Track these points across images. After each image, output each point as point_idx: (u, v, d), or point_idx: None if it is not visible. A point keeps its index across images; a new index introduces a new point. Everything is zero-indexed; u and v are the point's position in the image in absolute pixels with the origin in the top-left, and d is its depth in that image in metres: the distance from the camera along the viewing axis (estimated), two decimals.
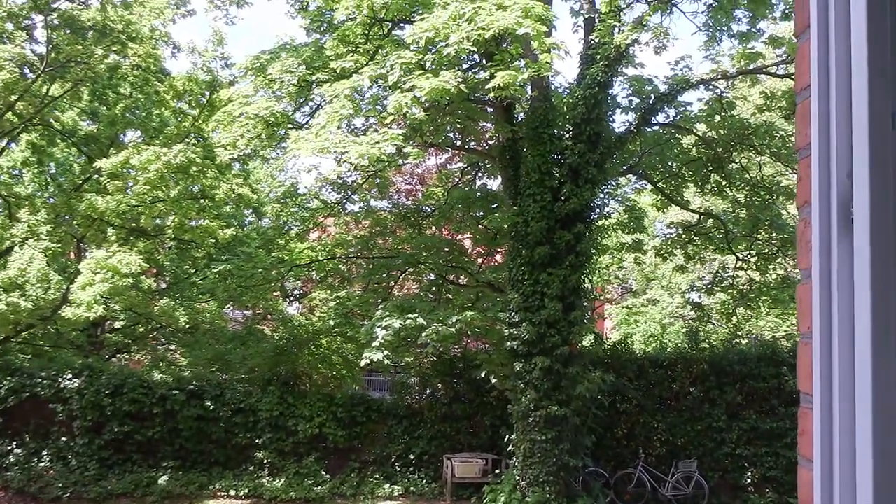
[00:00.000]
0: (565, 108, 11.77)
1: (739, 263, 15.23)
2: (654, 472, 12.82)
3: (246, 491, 12.88)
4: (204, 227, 15.38)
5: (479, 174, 15.77)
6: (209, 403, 13.58)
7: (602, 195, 13.37)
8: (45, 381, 13.38)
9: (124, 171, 14.33)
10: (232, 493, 12.89)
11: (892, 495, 1.04)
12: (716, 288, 15.97)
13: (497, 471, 12.70)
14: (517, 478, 11.15)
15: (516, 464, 11.33)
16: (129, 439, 13.35)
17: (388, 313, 12.31)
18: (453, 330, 11.91)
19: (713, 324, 17.90)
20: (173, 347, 18.47)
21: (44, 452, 13.23)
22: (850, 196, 1.11)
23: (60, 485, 12.60)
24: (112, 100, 16.61)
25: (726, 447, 13.04)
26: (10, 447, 13.14)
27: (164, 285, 18.89)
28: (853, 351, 1.10)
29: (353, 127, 13.00)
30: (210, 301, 18.02)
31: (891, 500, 1.04)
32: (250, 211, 21.75)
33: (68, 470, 12.96)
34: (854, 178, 1.11)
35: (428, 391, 14.36)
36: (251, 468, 13.47)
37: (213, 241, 16.07)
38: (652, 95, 12.34)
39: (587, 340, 13.52)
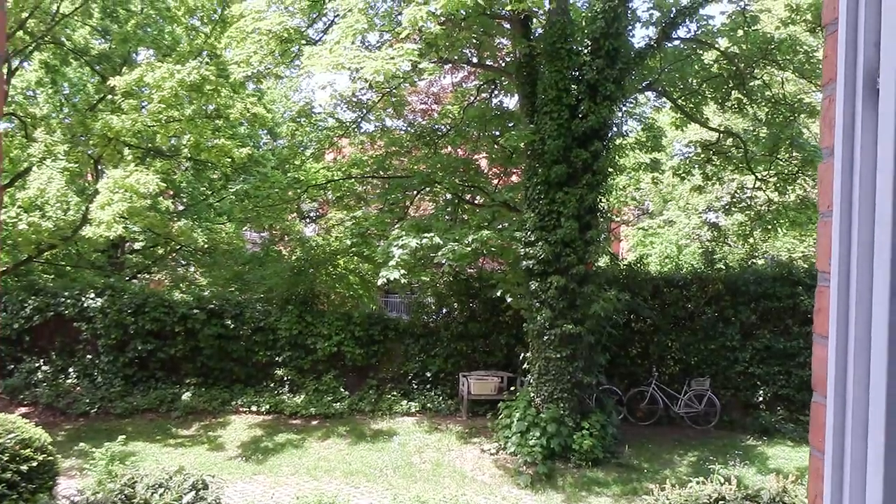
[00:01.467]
0: (584, 23, 11.44)
1: (758, 184, 15.03)
2: (666, 390, 13.00)
3: (267, 407, 13.22)
4: (220, 146, 15.30)
5: (496, 92, 15.49)
6: (229, 322, 13.82)
7: (620, 113, 13.16)
8: (68, 301, 13.64)
9: (138, 89, 14.22)
10: (254, 408, 13.24)
11: None
12: (733, 208, 15.80)
13: (512, 388, 12.93)
14: (532, 395, 11.34)
15: (531, 381, 11.51)
16: (152, 357, 13.67)
17: (404, 232, 12.32)
18: (469, 249, 11.92)
19: (730, 245, 17.81)
20: (192, 268, 18.69)
21: (70, 370, 13.61)
22: (876, 66, 1.07)
23: (87, 400, 12.99)
24: (123, 17, 16.33)
25: (739, 366, 13.16)
26: (37, 364, 13.51)
27: (181, 207, 18.98)
28: (873, 228, 1.08)
29: (367, 43, 12.77)
30: (227, 222, 18.15)
31: None
32: (265, 132, 21.65)
33: (94, 386, 13.34)
34: (882, 48, 1.06)
35: (444, 310, 14.50)
36: (272, 385, 13.81)
37: (229, 160, 16.01)
38: (673, 9, 11.97)
39: (603, 260, 13.51)
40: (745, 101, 13.96)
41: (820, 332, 1.25)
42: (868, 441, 1.12)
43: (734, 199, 15.80)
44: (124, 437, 9.44)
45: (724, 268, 14.29)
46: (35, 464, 7.35)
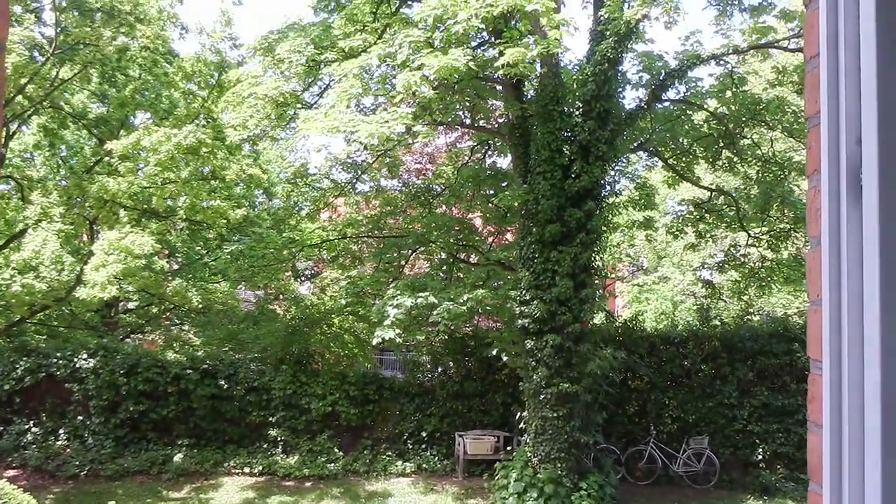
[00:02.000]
0: (575, 85, 11.69)
1: (751, 241, 15.15)
2: (665, 449, 12.87)
3: (260, 468, 13.04)
4: (215, 207, 15.42)
5: (489, 152, 15.72)
6: (223, 382, 13.71)
7: (613, 172, 13.30)
8: (60, 361, 13.55)
9: (135, 152, 14.38)
10: (246, 470, 13.05)
11: None
12: (727, 265, 15.89)
13: (509, 448, 12.79)
14: (529, 454, 11.22)
15: (528, 441, 11.40)
16: (145, 418, 13.51)
17: (399, 292, 12.34)
18: (464, 308, 11.93)
19: (725, 301, 17.86)
20: (186, 328, 18.62)
21: (60, 431, 13.44)
22: (859, 163, 1.12)
23: (77, 462, 12.79)
24: (121, 82, 16.61)
25: (738, 423, 13.06)
26: (27, 426, 13.33)
27: (176, 266, 19.00)
28: (862, 317, 1.11)
29: (362, 106, 13.01)
30: (222, 282, 18.15)
31: None
32: (261, 192, 21.82)
33: (85, 448, 13.15)
34: (863, 145, 1.11)
35: (439, 369, 14.43)
36: (265, 446, 13.63)
37: (224, 221, 16.11)
38: (662, 71, 12.23)
39: (598, 318, 13.53)
40: (735, 159, 14.18)
41: (814, 420, 1.27)
42: (865, 466, 1.13)
43: (728, 257, 15.90)
44: (114, 502, 9.26)
45: (719, 324, 14.31)
46: None
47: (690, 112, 13.99)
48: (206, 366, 13.87)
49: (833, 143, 1.17)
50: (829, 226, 1.17)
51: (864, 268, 1.11)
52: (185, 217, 16.58)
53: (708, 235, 15.64)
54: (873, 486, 1.08)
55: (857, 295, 1.12)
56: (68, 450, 13.20)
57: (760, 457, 13.02)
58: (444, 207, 15.76)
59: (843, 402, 1.15)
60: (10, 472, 12.60)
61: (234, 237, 16.73)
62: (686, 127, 13.90)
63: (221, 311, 16.73)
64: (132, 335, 18.28)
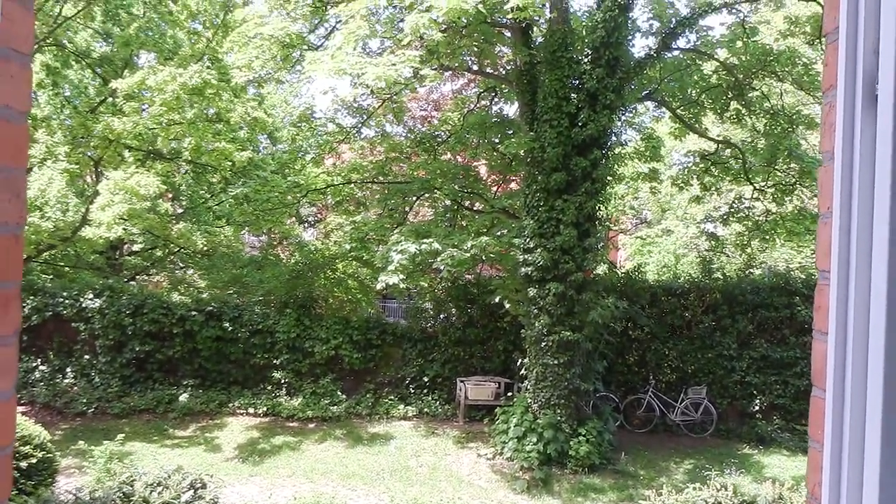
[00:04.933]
0: (584, 32, 11.54)
1: (756, 194, 15.11)
2: (663, 398, 13.05)
3: (264, 409, 13.25)
4: (220, 149, 15.35)
5: (496, 99, 15.59)
6: (227, 325, 13.84)
7: (620, 122, 13.24)
8: (67, 301, 13.66)
9: (140, 92, 14.28)
10: (251, 410, 13.26)
11: None
12: (731, 219, 15.88)
13: (509, 394, 12.97)
14: (529, 400, 11.39)
15: (528, 387, 11.56)
16: (150, 358, 13.69)
17: (403, 238, 12.39)
18: (468, 255, 11.99)
19: (727, 255, 17.88)
20: (191, 271, 18.72)
21: (68, 370, 13.63)
22: (875, 72, 1.13)
23: (85, 400, 13.00)
24: (125, 20, 16.40)
25: (736, 375, 13.22)
26: (35, 364, 13.52)
27: (180, 210, 19.02)
28: (871, 226, 1.14)
29: (368, 50, 12.86)
30: (226, 226, 18.19)
31: None
32: (265, 137, 21.70)
33: (92, 387, 13.35)
34: (880, 54, 1.12)
35: (442, 316, 14.54)
36: (269, 388, 13.83)
37: (228, 164, 16.06)
38: (673, 19, 12.07)
39: (601, 269, 13.58)
40: (743, 111, 14.05)
41: (819, 328, 1.30)
42: (865, 431, 1.17)
43: (732, 210, 15.87)
44: (122, 436, 9.45)
45: (721, 278, 14.36)
46: (34, 461, 7.39)
47: (700, 62, 13.81)
48: (210, 308, 13.98)
49: (851, 55, 1.18)
50: (843, 137, 1.19)
51: (875, 176, 1.13)
52: (189, 159, 16.55)
53: (713, 188, 15.59)
54: (875, 387, 1.13)
55: (868, 204, 1.15)
56: (75, 388, 13.41)
57: (757, 407, 13.21)
58: (448, 154, 15.70)
59: (848, 310, 1.19)
60: (20, 409, 12.82)
61: (239, 181, 16.69)
62: (695, 77, 13.75)
63: (226, 255, 16.79)
64: (137, 277, 18.39)
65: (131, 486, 7.29)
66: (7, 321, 1.22)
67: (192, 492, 7.72)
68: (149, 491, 7.25)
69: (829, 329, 1.24)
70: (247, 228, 18.10)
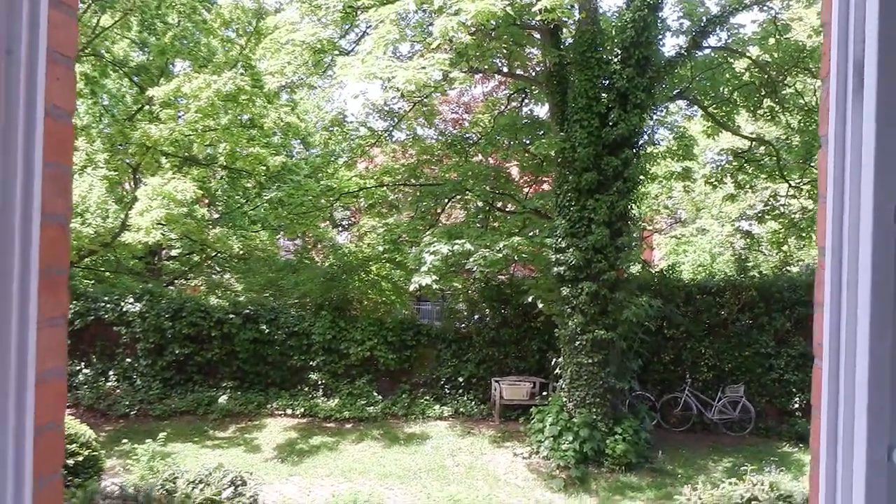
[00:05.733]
0: (613, 32, 11.54)
1: (792, 191, 14.94)
2: (700, 397, 12.97)
3: (302, 410, 13.41)
4: (254, 154, 15.60)
5: (526, 101, 15.62)
6: (264, 327, 14.04)
7: (651, 121, 13.20)
8: (108, 305, 13.97)
9: (176, 99, 14.57)
10: (289, 411, 13.43)
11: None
12: (767, 216, 15.71)
13: (544, 393, 12.97)
14: (564, 399, 11.39)
15: (563, 386, 11.57)
16: (190, 360, 13.94)
17: (435, 239, 12.49)
18: (500, 255, 12.05)
19: (763, 253, 17.70)
20: (228, 275, 19.01)
21: (110, 373, 13.93)
22: (863, 60, 1.24)
23: (127, 402, 13.28)
24: (160, 29, 16.72)
25: (774, 373, 13.09)
26: (78, 367, 13.83)
27: (216, 215, 19.32)
28: (860, 206, 1.25)
29: (399, 53, 12.98)
30: (261, 230, 18.44)
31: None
32: (298, 142, 21.95)
33: (133, 389, 13.63)
34: (866, 44, 1.24)
35: (476, 316, 14.60)
36: (306, 389, 14.00)
37: (263, 168, 16.31)
38: (703, 17, 12.01)
39: (635, 268, 13.54)
40: (777, 109, 13.91)
41: (818, 301, 1.41)
42: (856, 394, 1.28)
43: (767, 207, 15.70)
44: (164, 435, 9.64)
45: (757, 275, 14.23)
46: (81, 458, 7.59)
47: (732, 60, 13.71)
48: (247, 311, 14.20)
49: (843, 44, 1.29)
50: (836, 121, 1.29)
51: (862, 160, 1.23)
52: (224, 164, 16.82)
53: (747, 186, 15.45)
54: (863, 354, 1.26)
55: (857, 184, 1.26)
56: (118, 390, 13.70)
57: (796, 405, 13.06)
58: (480, 156, 15.76)
59: (842, 282, 1.30)
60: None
61: (273, 185, 16.92)
62: (727, 75, 13.66)
63: (261, 259, 17.03)
64: (175, 282, 18.71)
65: (174, 483, 7.46)
66: (57, 304, 1.32)
67: (232, 489, 7.88)
68: (190, 488, 7.41)
69: (824, 300, 1.35)
70: (282, 232, 18.34)
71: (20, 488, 1.22)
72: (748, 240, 16.62)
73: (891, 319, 1.23)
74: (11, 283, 1.20)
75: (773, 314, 13.25)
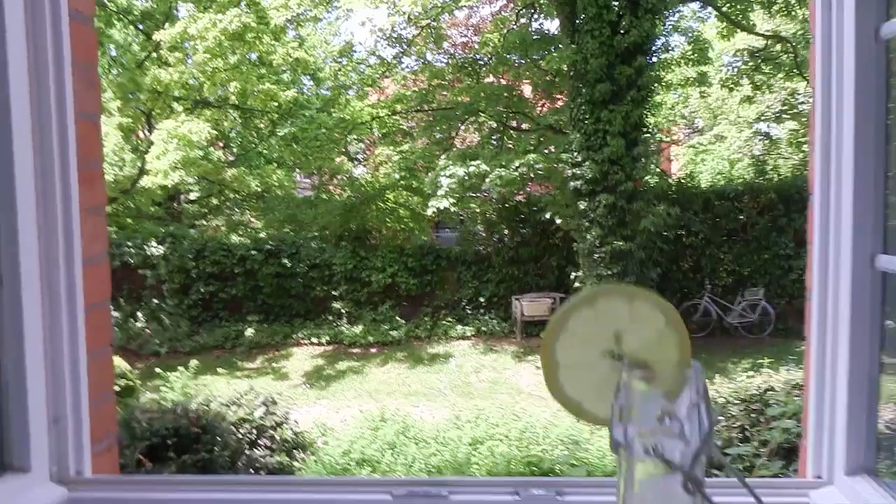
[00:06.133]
0: None
1: (809, 87, 14.58)
2: (720, 302, 12.97)
3: (327, 338, 13.65)
4: (266, 91, 15.55)
5: (535, 16, 15.30)
6: (286, 261, 14.21)
7: (664, 26, 12.89)
8: (132, 250, 14.18)
9: (183, 42, 14.49)
10: (314, 340, 13.68)
11: None
12: (785, 116, 15.39)
13: None
14: None
15: None
16: (215, 298, 14.20)
17: (451, 162, 12.47)
18: (516, 174, 12.03)
19: (783, 156, 17.38)
20: (247, 214, 19.17)
21: (139, 314, 14.22)
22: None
23: (157, 341, 13.59)
24: None
25: (793, 274, 13.01)
26: None
27: (231, 158, 19.37)
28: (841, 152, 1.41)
29: None
30: (277, 169, 18.48)
31: None
32: (308, 77, 21.78)
33: (162, 328, 13.93)
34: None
35: (495, 237, 14.63)
36: (330, 318, 14.21)
37: (275, 105, 16.28)
38: None
39: (652, 178, 13.41)
40: (793, 2, 13.47)
41: (810, 240, 1.54)
42: (839, 328, 1.44)
43: (785, 107, 15.37)
44: (195, 362, 9.89)
45: (776, 177, 14.03)
46: (118, 388, 7.83)
47: None
48: (269, 246, 14.36)
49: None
50: (822, 76, 1.46)
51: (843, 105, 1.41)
52: (236, 104, 16.79)
53: (765, 86, 15.09)
54: (845, 290, 1.43)
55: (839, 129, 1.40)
56: (147, 330, 14.01)
57: None
58: (491, 77, 15.55)
59: (829, 221, 1.46)
60: None
61: (286, 122, 16.89)
62: None
63: (279, 196, 17.11)
64: (196, 224, 18.91)
65: (207, 405, 7.70)
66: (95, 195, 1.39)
67: (264, 408, 8.12)
68: (224, 409, 7.64)
69: (814, 239, 1.49)
70: (298, 169, 18.38)
71: (75, 359, 1.34)
72: (766, 142, 16.33)
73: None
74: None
75: (792, 215, 13.10)
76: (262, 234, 15.41)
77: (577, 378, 0.67)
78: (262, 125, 18.91)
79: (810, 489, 1.50)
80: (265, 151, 19.04)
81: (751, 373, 7.20)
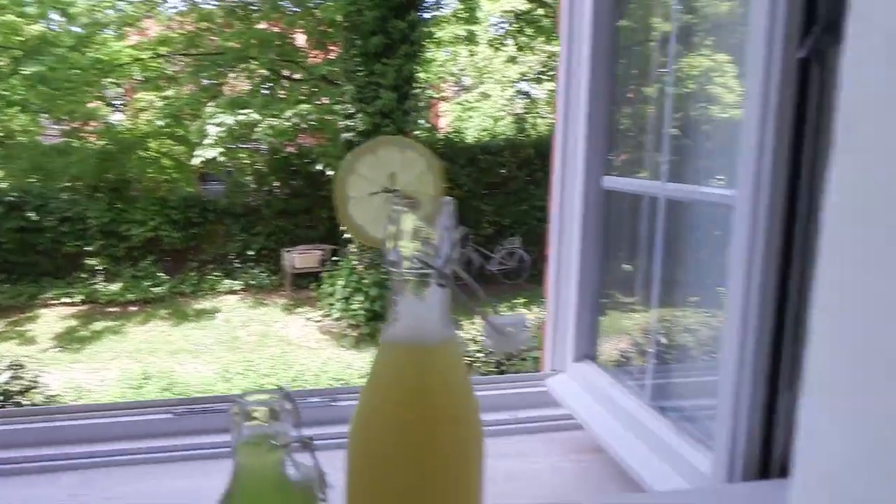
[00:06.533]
0: None
1: None
2: (481, 251, 13.53)
3: (81, 297, 12.63)
4: (6, 23, 13.86)
5: None
6: (31, 214, 12.92)
7: None
8: None
9: None
10: (66, 300, 12.60)
11: None
12: (544, 77, 16.36)
13: (335, 259, 13.07)
14: (355, 262, 11.57)
15: (354, 249, 11.71)
16: None
17: (220, 110, 12.02)
18: (288, 124, 11.84)
19: (540, 115, 18.47)
20: None
21: None
22: None
23: None
24: None
25: (547, 223, 13.96)
26: None
27: None
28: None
29: None
30: (21, 113, 16.63)
31: None
32: (58, 14, 19.74)
33: None
34: None
35: (264, 189, 14.27)
36: (84, 275, 13.13)
37: (18, 39, 14.58)
38: None
39: (422, 133, 13.73)
40: None
41: (552, 171, 2.07)
42: (572, 242, 1.92)
43: (545, 68, 16.31)
44: None
45: (534, 134, 14.91)
46: None
47: None
48: (10, 198, 12.99)
49: None
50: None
51: None
52: None
53: (527, 48, 15.91)
54: (574, 249, 1.95)
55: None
56: None
57: None
58: (264, 24, 15.00)
59: (568, 115, 1.91)
60: None
61: (32, 61, 15.20)
62: None
63: (22, 144, 15.43)
64: None
65: None
66: None
67: (10, 372, 7.41)
68: None
69: (556, 169, 2.03)
70: (46, 113, 16.65)
71: None
72: (527, 101, 17.29)
73: None
74: None
75: (547, 169, 13.94)
76: (4, 185, 13.85)
77: (362, 209, 0.83)
78: (1, 62, 16.88)
79: (547, 377, 1.89)
80: (6, 93, 17.04)
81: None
